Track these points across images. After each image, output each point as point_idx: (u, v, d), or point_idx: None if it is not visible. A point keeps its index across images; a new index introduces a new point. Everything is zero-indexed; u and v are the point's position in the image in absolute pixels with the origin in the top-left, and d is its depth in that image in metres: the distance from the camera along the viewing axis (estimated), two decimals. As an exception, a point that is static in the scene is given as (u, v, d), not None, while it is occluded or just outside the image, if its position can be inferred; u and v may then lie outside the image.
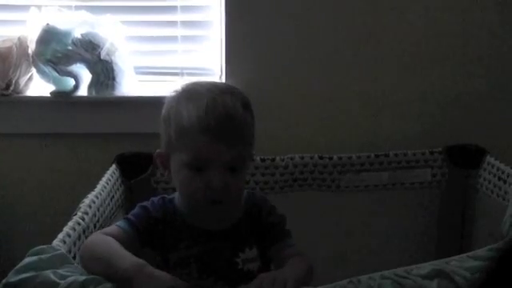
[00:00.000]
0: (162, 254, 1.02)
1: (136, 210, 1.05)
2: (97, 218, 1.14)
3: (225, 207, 1.00)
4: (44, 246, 0.88)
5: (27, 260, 0.84)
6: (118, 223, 1.02)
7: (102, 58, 1.54)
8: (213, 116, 0.95)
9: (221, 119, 0.95)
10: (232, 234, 1.04)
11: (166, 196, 1.08)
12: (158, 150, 1.06)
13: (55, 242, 0.94)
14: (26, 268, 0.82)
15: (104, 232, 1.00)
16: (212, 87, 1.00)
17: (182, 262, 1.01)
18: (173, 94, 1.04)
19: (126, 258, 0.89)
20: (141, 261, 0.89)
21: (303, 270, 0.95)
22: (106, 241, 0.95)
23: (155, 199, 1.07)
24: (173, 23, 1.64)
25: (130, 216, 1.03)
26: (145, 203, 1.06)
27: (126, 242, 0.96)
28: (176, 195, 1.07)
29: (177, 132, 0.99)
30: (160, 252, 1.02)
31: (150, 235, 1.02)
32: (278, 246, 1.04)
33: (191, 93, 1.01)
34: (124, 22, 1.60)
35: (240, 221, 1.06)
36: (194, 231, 1.03)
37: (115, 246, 0.93)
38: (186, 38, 1.66)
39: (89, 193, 1.18)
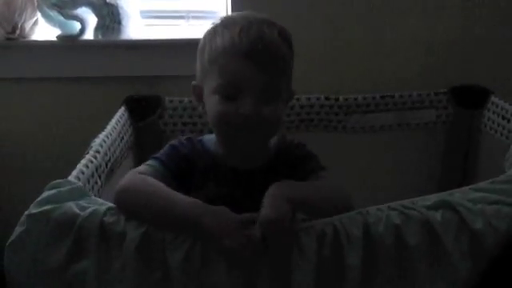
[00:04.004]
0: (189, 194, 0.93)
1: (165, 148, 1.02)
2: (108, 157, 1.15)
3: (255, 137, 0.96)
4: (61, 180, 0.88)
5: (47, 193, 0.85)
6: (148, 163, 0.99)
7: (107, 1, 1.53)
8: (246, 38, 0.93)
9: (254, 41, 0.93)
10: (260, 175, 1.00)
11: (192, 137, 1.06)
12: (193, 82, 1.04)
13: (70, 179, 0.94)
14: (47, 200, 0.83)
15: (139, 171, 0.95)
16: (249, 16, 0.99)
17: (210, 202, 0.90)
18: (210, 26, 1.02)
19: (181, 200, 0.87)
20: (196, 200, 0.87)
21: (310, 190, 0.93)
22: (150, 183, 0.91)
23: (182, 138, 1.05)
24: (178, -35, 1.63)
25: (159, 155, 1.00)
26: (172, 142, 1.04)
27: (161, 181, 0.93)
28: (204, 137, 1.06)
29: (210, 58, 0.97)
30: (187, 192, 0.94)
31: (180, 174, 0.99)
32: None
33: (227, 21, 0.99)
34: (129, -35, 1.59)
35: (270, 162, 1.03)
36: (221, 170, 1.01)
37: (162, 187, 0.90)
38: (191, -19, 1.65)
39: (99, 134, 1.19)
